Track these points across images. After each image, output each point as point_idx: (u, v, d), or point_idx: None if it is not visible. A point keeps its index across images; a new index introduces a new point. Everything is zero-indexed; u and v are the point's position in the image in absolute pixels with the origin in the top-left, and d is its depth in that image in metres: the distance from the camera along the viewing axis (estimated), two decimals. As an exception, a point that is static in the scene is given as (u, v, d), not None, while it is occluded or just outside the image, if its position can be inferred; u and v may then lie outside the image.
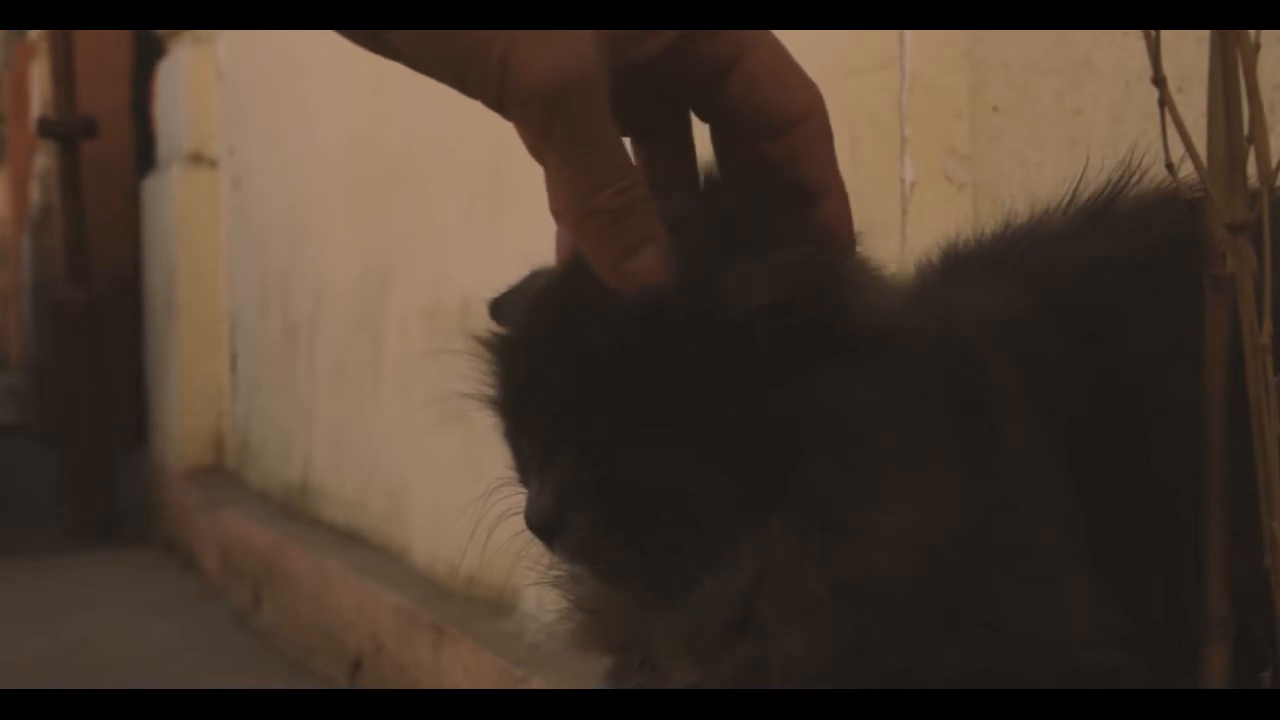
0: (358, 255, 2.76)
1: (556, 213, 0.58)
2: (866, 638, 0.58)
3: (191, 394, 3.85)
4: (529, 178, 0.72)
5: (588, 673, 0.69)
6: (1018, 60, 1.24)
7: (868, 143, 1.41)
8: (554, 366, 0.61)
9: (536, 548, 0.64)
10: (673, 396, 0.59)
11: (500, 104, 0.55)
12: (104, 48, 5.11)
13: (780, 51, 0.62)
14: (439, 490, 2.31)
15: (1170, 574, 0.61)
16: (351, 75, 2.72)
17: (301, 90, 3.07)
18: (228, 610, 3.07)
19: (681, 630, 0.62)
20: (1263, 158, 0.49)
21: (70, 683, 2.45)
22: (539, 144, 0.56)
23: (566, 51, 0.54)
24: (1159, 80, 0.50)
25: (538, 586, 0.70)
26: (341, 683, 2.43)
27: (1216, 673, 0.53)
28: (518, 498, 0.65)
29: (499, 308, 0.67)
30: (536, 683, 1.71)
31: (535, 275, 0.67)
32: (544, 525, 0.62)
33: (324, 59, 2.88)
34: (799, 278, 0.57)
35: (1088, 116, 1.16)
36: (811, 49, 0.63)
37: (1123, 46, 1.11)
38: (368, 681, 2.34)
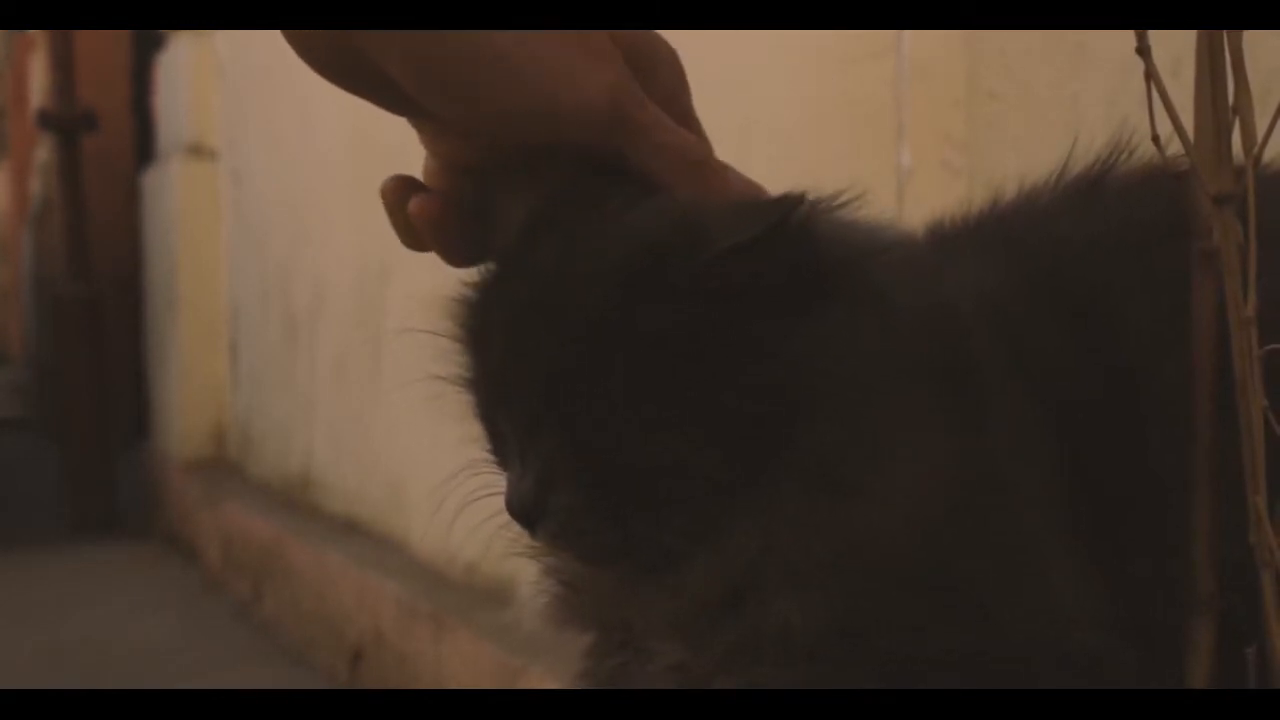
0: (357, 249, 2.76)
1: (696, 163, 0.61)
2: (858, 613, 0.58)
3: (192, 388, 3.85)
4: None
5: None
6: (1014, 47, 1.24)
7: (865, 131, 1.41)
8: (535, 343, 0.59)
9: (516, 529, 0.63)
10: (659, 370, 0.58)
11: (561, 125, 0.59)
12: (103, 41, 5.11)
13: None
14: (438, 481, 2.30)
15: (1159, 554, 0.61)
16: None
17: (301, 85, 3.06)
18: (229, 603, 3.08)
19: (670, 609, 0.61)
20: (1247, 130, 0.49)
21: (73, 676, 2.46)
22: (628, 143, 0.60)
23: (598, 75, 0.59)
24: (1143, 50, 0.50)
25: (535, 574, 0.69)
26: (342, 674, 2.44)
27: (1202, 649, 0.53)
28: (491, 477, 0.64)
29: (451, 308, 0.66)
30: (535, 672, 1.72)
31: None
32: (525, 511, 0.60)
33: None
34: (779, 213, 0.57)
35: (1084, 102, 1.16)
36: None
37: (1118, 33, 1.10)
38: (368, 672, 2.35)
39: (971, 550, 0.59)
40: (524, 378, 0.60)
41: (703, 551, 0.59)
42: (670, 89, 0.63)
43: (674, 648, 0.61)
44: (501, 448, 0.63)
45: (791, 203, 0.57)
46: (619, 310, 0.58)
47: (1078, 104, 1.18)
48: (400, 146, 2.65)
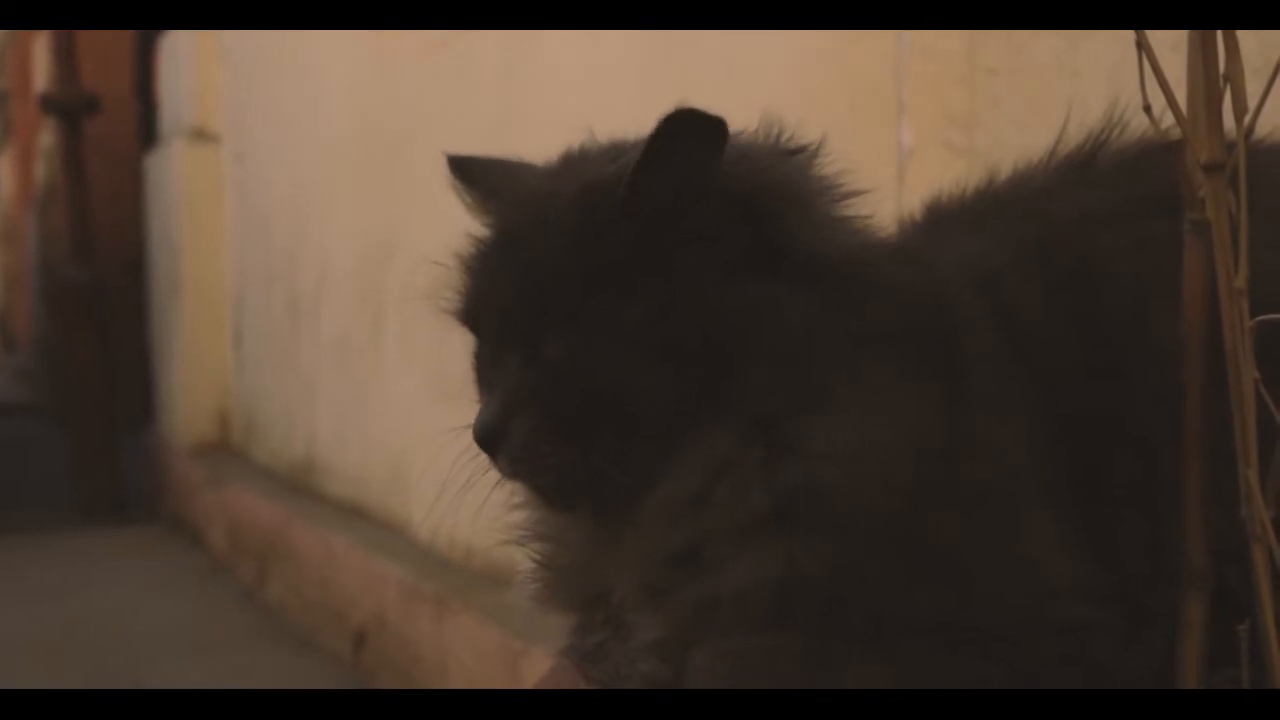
0: (360, 230, 2.76)
1: None
2: (825, 569, 0.58)
3: (196, 372, 3.85)
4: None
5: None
6: (1014, 23, 1.23)
7: (866, 109, 1.40)
8: (500, 275, 0.63)
9: (499, 493, 0.65)
10: (611, 292, 0.60)
11: None
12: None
13: None
14: (440, 465, 2.30)
15: (1150, 523, 0.60)
16: (354, 51, 2.72)
17: (305, 65, 3.06)
18: (235, 586, 3.08)
19: (635, 563, 0.62)
20: (1238, 97, 0.48)
21: (80, 659, 2.47)
22: None
23: None
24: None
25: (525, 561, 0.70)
26: (346, 656, 2.44)
27: (1194, 625, 0.53)
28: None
29: (460, 166, 0.70)
30: (537, 654, 1.71)
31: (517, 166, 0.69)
32: (488, 436, 0.62)
33: (327, 35, 2.87)
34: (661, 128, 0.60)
35: (1086, 78, 1.15)
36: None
37: (1119, 8, 1.09)
38: (371, 654, 2.35)
39: (945, 512, 0.59)
40: (491, 306, 0.64)
41: (652, 497, 0.61)
42: None
43: (649, 621, 0.62)
44: (481, 382, 0.66)
45: (674, 118, 0.59)
46: (566, 243, 0.61)
47: (1079, 79, 1.17)
48: (404, 127, 2.64)
